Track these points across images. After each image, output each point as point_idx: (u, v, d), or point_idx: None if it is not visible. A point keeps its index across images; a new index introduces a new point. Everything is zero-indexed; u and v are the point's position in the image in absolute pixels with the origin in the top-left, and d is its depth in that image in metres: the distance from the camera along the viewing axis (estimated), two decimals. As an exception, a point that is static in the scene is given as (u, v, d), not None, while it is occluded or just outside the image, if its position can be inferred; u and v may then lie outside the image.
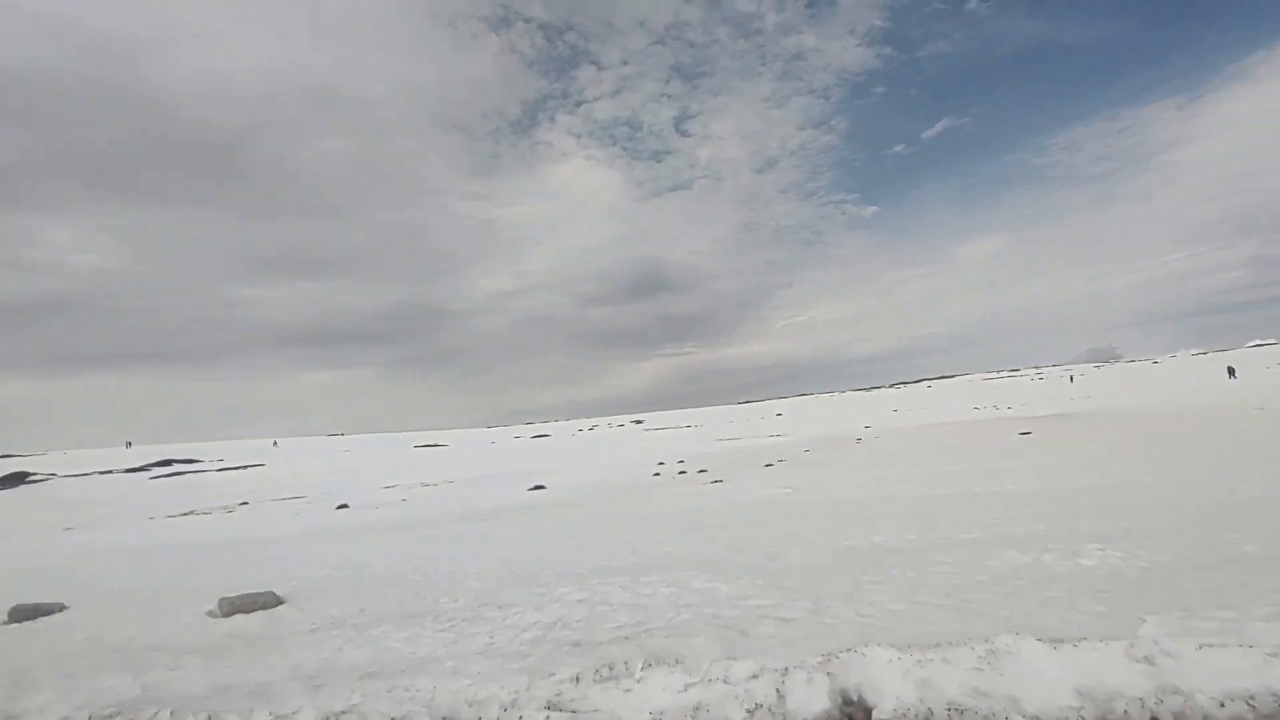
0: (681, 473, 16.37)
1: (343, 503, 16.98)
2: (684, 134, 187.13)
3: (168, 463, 44.98)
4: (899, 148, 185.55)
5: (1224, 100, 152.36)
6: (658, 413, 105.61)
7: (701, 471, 15.98)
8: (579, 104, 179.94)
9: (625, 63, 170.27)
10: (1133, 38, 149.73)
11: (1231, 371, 36.35)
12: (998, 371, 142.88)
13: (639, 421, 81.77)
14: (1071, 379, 55.09)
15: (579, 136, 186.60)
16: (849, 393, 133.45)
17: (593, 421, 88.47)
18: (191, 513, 20.94)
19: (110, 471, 41.74)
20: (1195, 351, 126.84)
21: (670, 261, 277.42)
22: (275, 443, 73.99)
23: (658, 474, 16.72)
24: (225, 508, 21.39)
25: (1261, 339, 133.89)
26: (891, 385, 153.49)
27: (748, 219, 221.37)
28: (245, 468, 38.82)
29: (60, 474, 41.15)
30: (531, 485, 16.41)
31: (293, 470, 37.05)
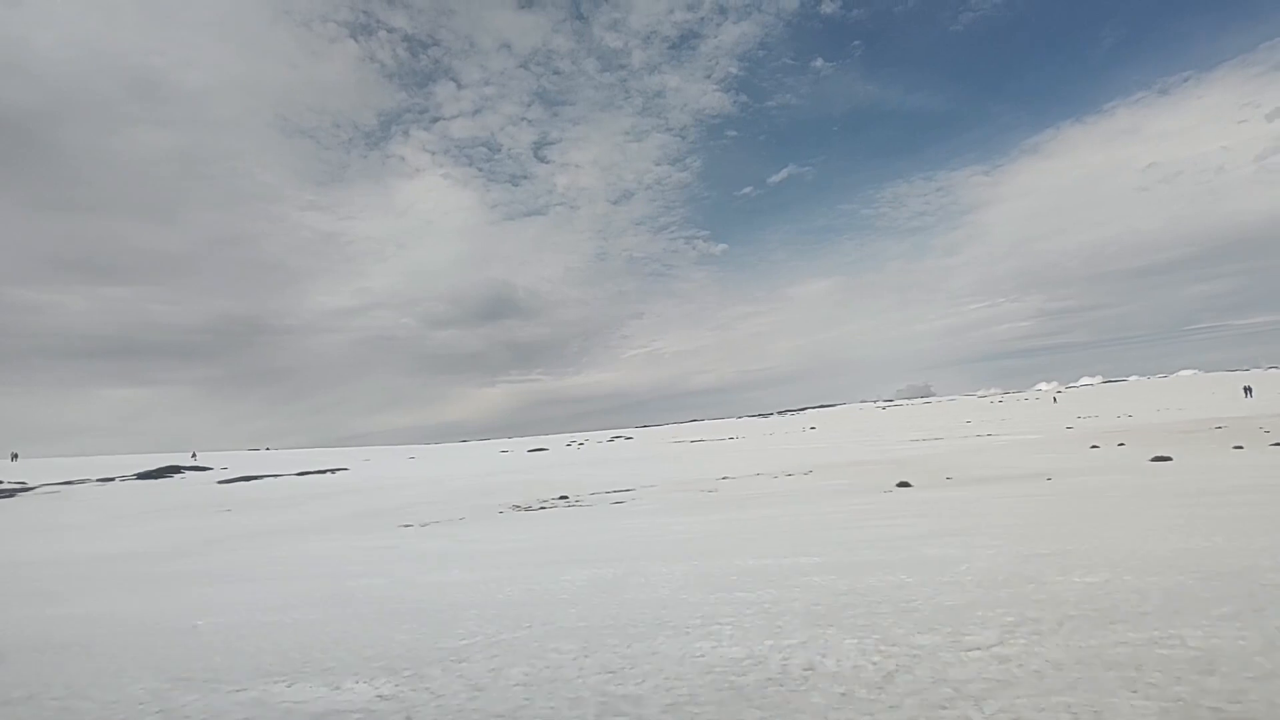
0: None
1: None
2: (542, 160, 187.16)
3: (175, 469, 34.61)
4: (747, 190, 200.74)
5: (1019, 171, 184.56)
6: (645, 429, 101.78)
7: None
8: (435, 120, 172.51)
9: (487, 83, 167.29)
10: (948, 109, 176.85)
11: (1248, 390, 41.00)
12: (864, 400, 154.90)
13: (629, 438, 78.08)
14: (1055, 399, 60.63)
15: (434, 154, 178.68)
16: (746, 419, 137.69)
17: (575, 438, 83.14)
18: (523, 507, 15.38)
19: (112, 479, 30.99)
20: (993, 391, 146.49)
21: (521, 287, 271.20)
22: (194, 454, 62.16)
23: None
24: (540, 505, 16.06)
25: (1046, 380, 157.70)
26: (781, 413, 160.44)
27: (601, 249, 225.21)
28: (327, 472, 30.58)
29: (31, 483, 29.84)
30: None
31: (387, 475, 29.81)
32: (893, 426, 43.51)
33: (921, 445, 23.01)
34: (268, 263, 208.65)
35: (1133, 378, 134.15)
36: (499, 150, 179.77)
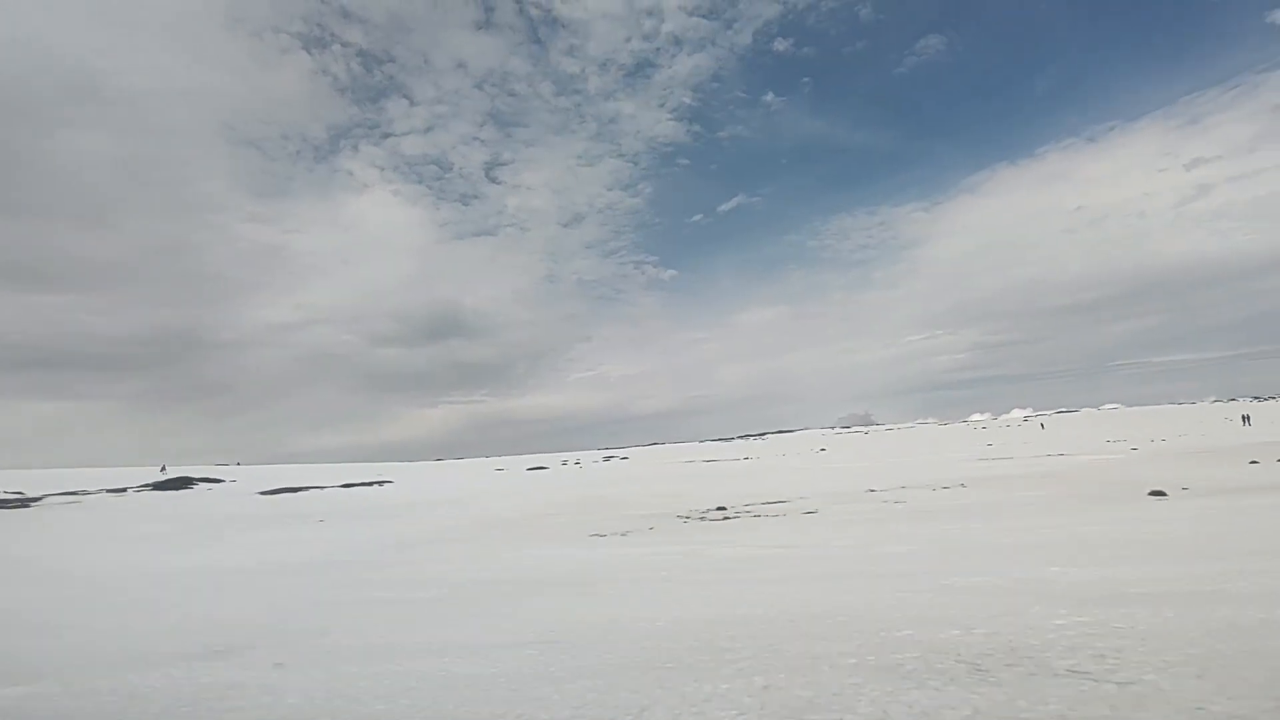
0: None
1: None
2: (494, 180, 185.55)
3: (188, 481, 31.51)
4: (697, 217, 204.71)
5: (957, 209, 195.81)
6: (636, 448, 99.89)
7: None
8: (386, 136, 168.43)
9: (440, 101, 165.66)
10: (891, 147, 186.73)
11: (1246, 419, 43.30)
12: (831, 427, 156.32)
13: (624, 458, 76.63)
14: (1043, 426, 62.86)
15: (383, 169, 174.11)
16: (706, 443, 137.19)
17: (569, 457, 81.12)
18: (687, 514, 14.27)
19: (124, 490, 27.87)
20: (931, 420, 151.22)
21: (468, 307, 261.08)
22: (163, 468, 58.10)
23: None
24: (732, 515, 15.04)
25: (980, 411, 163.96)
26: (743, 437, 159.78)
27: (551, 271, 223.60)
28: (373, 484, 28.27)
29: (29, 494, 26.55)
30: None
31: (448, 489, 27.89)
32: (919, 450, 43.87)
33: (1008, 464, 22.94)
34: (206, 274, 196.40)
35: (1061, 410, 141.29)
36: (450, 169, 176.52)
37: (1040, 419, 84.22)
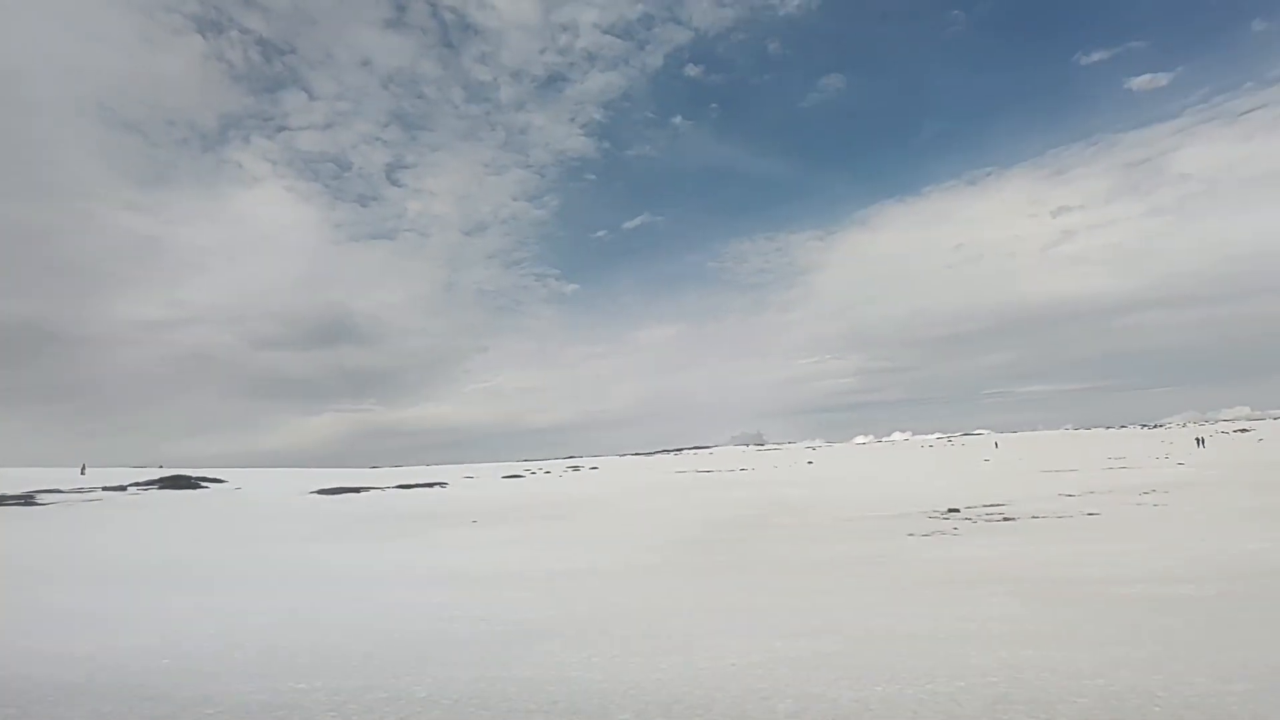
0: None
1: None
2: (395, 183, 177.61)
3: (186, 479, 26.59)
4: (601, 233, 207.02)
5: (848, 240, 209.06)
6: (602, 458, 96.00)
7: None
8: (281, 129, 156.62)
9: (341, 97, 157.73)
10: (790, 176, 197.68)
11: (1200, 441, 47.49)
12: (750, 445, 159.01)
13: (593, 468, 73.99)
14: (996, 445, 66.60)
15: (275, 164, 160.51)
16: (626, 456, 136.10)
17: (538, 466, 77.38)
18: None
19: (124, 488, 22.86)
20: (818, 442, 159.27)
21: (360, 312, 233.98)
22: (83, 469, 50.69)
23: None
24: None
25: (863, 434, 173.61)
26: (661, 451, 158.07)
27: (450, 279, 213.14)
28: (435, 486, 24.76)
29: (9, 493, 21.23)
30: None
31: (537, 490, 25.07)
32: (916, 464, 44.69)
33: (1081, 476, 23.08)
34: (69, 263, 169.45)
35: (935, 435, 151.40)
36: (349, 168, 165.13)
37: (995, 439, 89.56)
